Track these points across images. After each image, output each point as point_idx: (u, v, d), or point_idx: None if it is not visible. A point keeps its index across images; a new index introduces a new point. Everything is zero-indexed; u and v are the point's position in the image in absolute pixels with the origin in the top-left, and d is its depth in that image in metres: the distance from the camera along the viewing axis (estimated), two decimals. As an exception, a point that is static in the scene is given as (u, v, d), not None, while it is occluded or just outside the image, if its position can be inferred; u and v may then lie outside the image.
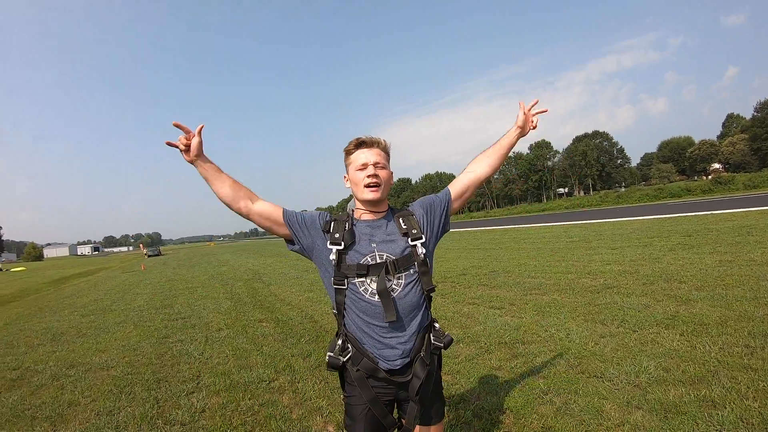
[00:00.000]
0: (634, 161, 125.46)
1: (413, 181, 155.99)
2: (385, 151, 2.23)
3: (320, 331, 7.08)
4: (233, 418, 4.19)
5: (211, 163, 2.15)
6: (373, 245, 2.11)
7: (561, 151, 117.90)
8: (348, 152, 2.22)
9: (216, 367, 5.75)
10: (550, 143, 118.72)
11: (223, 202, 2.14)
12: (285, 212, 2.21)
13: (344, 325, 2.15)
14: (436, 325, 2.22)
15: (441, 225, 2.28)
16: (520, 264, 11.69)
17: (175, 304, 11.67)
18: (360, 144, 2.19)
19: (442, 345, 2.15)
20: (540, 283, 8.80)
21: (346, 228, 2.13)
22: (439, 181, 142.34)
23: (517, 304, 7.33)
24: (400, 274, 2.07)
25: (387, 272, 2.05)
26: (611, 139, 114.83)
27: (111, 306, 12.43)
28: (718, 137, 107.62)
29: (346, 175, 2.27)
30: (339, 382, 2.22)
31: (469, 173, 2.37)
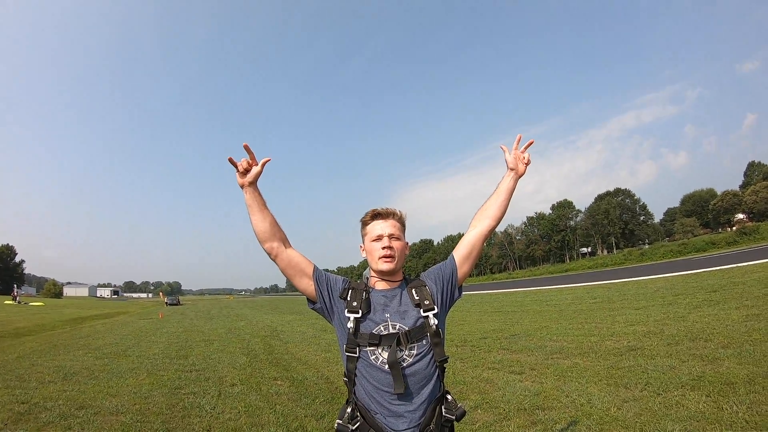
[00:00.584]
0: (657, 217, 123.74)
1: (435, 243, 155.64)
2: (401, 222, 2.31)
3: (335, 392, 6.94)
4: (242, 476, 4.06)
5: (261, 195, 2.21)
6: (387, 315, 2.13)
7: (583, 210, 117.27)
8: (364, 223, 2.31)
9: (227, 422, 5.64)
10: (572, 202, 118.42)
11: (257, 235, 2.20)
12: (316, 269, 2.26)
13: (354, 392, 2.15)
14: (449, 396, 2.18)
15: (450, 294, 2.29)
16: (542, 327, 11.41)
17: (190, 355, 11.57)
18: (376, 215, 2.28)
19: (453, 417, 2.11)
20: (562, 346, 8.56)
21: (363, 297, 2.16)
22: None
23: (537, 368, 7.12)
24: (412, 345, 2.08)
25: (399, 343, 2.06)
26: (633, 195, 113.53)
27: (126, 351, 12.37)
28: (740, 187, 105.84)
29: (362, 245, 2.34)
30: None
31: (473, 231, 2.39)
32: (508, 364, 7.65)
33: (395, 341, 2.05)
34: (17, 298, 59.85)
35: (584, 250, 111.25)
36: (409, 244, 2.40)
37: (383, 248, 2.18)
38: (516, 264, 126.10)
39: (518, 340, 9.99)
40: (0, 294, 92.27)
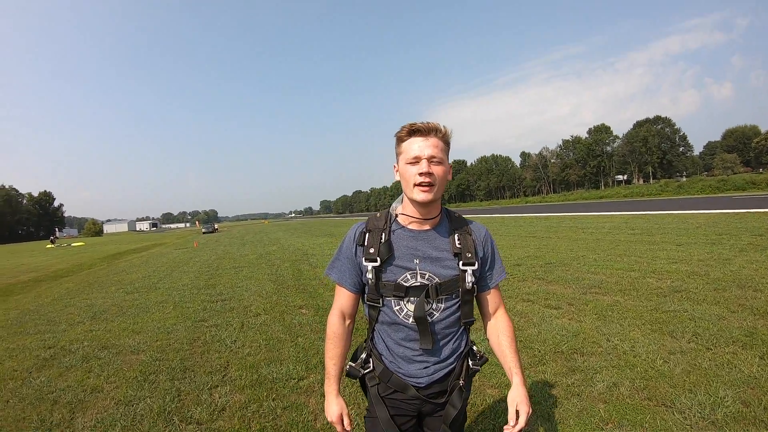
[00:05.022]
0: (697, 149, 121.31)
1: (468, 163, 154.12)
2: (445, 141, 1.79)
3: (361, 322, 6.61)
4: (252, 421, 3.84)
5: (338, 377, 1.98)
6: (416, 261, 1.80)
7: (621, 136, 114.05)
8: (400, 139, 1.81)
9: (246, 358, 5.46)
10: (609, 128, 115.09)
11: None
12: (346, 287, 1.96)
13: (372, 339, 1.98)
14: (474, 348, 1.99)
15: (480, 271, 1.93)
16: (579, 257, 10.90)
17: (218, 284, 11.57)
18: (414, 131, 1.76)
19: (479, 368, 1.95)
20: (600, 280, 8.06)
21: (383, 239, 1.82)
22: (494, 163, 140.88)
23: (575, 304, 6.66)
24: (440, 298, 1.81)
25: (427, 295, 1.78)
26: (674, 125, 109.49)
27: (157, 284, 12.45)
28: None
29: (396, 165, 1.87)
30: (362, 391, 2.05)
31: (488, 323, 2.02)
32: (543, 297, 7.24)
33: (424, 294, 1.77)
34: (54, 241, 62.49)
35: (620, 177, 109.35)
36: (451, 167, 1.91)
37: (420, 174, 1.72)
38: (550, 188, 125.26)
39: (554, 269, 9.55)
40: (43, 239, 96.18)
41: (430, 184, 1.72)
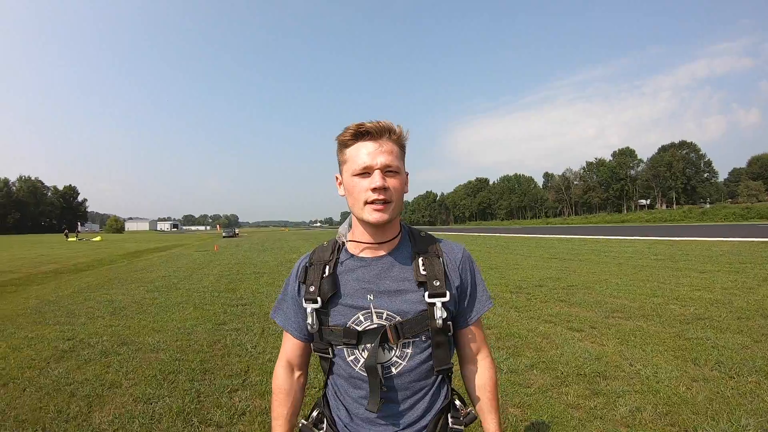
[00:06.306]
0: (722, 176, 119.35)
1: (491, 182, 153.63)
2: (399, 144, 1.42)
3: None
4: (272, 428, 3.81)
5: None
6: (370, 297, 1.41)
7: (645, 160, 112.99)
8: (342, 143, 1.42)
9: (266, 363, 5.44)
10: (634, 151, 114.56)
11: None
12: (291, 333, 1.58)
13: (325, 394, 1.59)
14: (457, 402, 1.53)
15: (459, 299, 1.51)
16: (601, 280, 10.78)
17: (239, 288, 11.58)
18: (361, 134, 1.37)
19: (462, 428, 1.48)
20: (623, 304, 7.96)
21: (325, 273, 1.46)
22: (517, 183, 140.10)
23: (598, 327, 6.58)
24: (405, 342, 1.41)
25: (384, 339, 1.38)
26: (699, 150, 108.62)
27: (177, 284, 12.52)
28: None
29: (339, 176, 1.48)
30: None
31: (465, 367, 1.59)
32: (566, 319, 7.16)
33: (379, 337, 1.37)
34: (67, 235, 64.24)
35: (643, 201, 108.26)
36: (409, 174, 1.50)
37: (374, 189, 1.33)
38: (572, 210, 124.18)
39: (576, 291, 9.43)
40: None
41: (385, 202, 1.35)
